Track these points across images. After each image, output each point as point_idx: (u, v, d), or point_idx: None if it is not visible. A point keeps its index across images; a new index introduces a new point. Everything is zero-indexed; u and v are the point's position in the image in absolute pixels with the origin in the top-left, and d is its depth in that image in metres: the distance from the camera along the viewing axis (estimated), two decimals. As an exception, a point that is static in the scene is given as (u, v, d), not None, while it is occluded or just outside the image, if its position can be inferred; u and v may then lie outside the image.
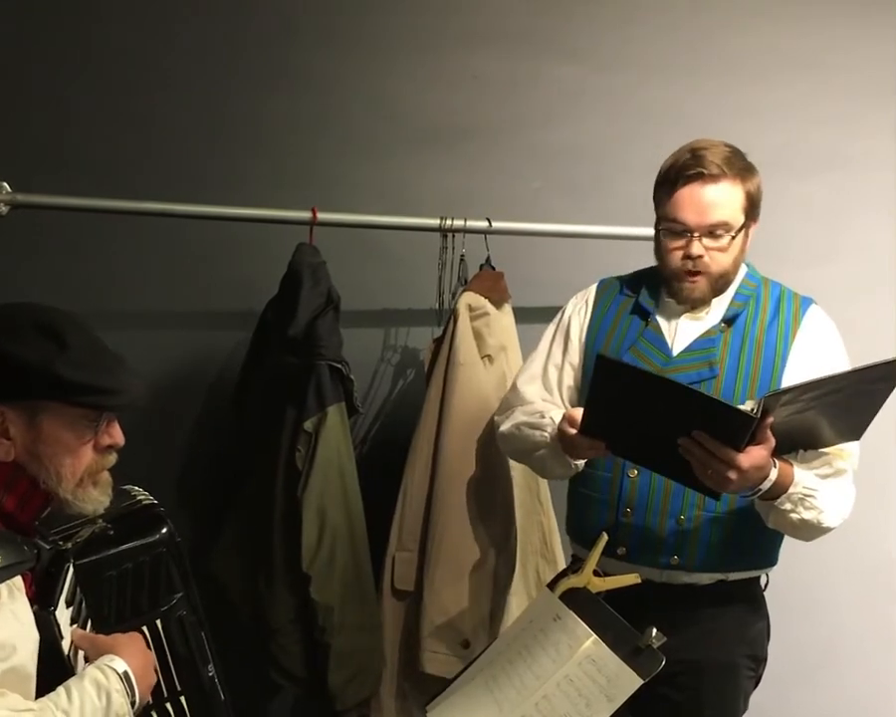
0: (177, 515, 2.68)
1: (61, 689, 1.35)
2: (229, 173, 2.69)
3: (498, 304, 2.51)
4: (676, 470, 1.80)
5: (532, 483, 2.51)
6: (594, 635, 1.74)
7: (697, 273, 1.96)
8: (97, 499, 1.47)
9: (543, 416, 2.04)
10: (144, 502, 1.70)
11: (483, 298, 2.47)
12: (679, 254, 1.96)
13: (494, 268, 2.56)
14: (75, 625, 1.47)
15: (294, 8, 2.75)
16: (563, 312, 2.18)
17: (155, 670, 1.55)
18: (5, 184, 2.30)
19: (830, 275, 2.88)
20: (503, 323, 2.52)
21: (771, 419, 1.71)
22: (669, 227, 1.97)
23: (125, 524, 1.62)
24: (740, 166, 1.98)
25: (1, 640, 1.28)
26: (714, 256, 1.95)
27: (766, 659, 2.09)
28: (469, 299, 2.47)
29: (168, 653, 1.61)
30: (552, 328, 2.19)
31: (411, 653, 2.43)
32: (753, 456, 1.72)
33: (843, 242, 3.00)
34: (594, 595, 1.85)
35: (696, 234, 1.94)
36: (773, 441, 1.73)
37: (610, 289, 2.15)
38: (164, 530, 1.63)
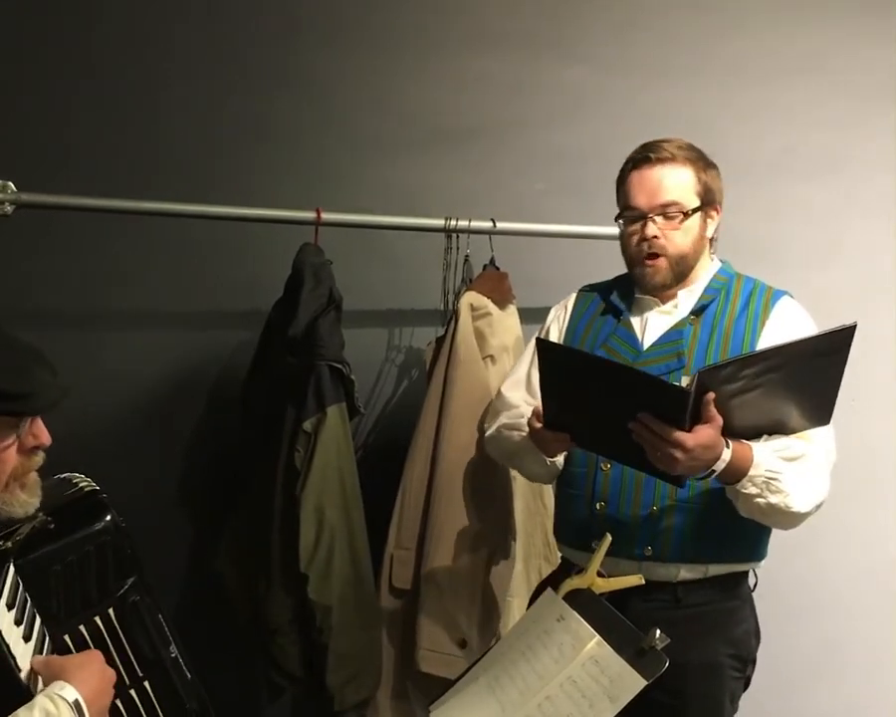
0: (179, 514, 2.73)
1: None
2: (234, 173, 2.70)
3: (501, 304, 2.52)
4: (636, 459, 1.80)
5: (535, 485, 2.51)
6: (598, 636, 1.73)
7: (655, 256, 2.00)
8: (25, 501, 1.43)
9: (521, 417, 2.07)
10: (87, 489, 1.64)
11: (485, 298, 2.48)
12: (636, 238, 2.01)
13: (498, 268, 2.57)
14: (20, 628, 1.43)
15: (299, 8, 2.75)
16: (547, 319, 2.23)
17: (114, 660, 1.52)
18: (10, 184, 2.30)
19: (831, 277, 2.89)
20: (506, 323, 2.52)
21: (712, 396, 1.71)
22: (625, 215, 2.03)
23: (67, 515, 1.56)
24: (692, 155, 2.02)
25: None
26: (669, 236, 1.99)
27: (754, 661, 2.07)
28: (471, 298, 2.47)
29: (125, 641, 1.57)
30: (536, 335, 2.21)
31: (408, 652, 2.43)
32: (699, 436, 1.72)
33: (844, 245, 3.01)
34: (598, 595, 1.85)
35: (649, 215, 1.98)
36: (719, 420, 1.73)
37: (588, 294, 2.19)
38: (108, 517, 1.57)
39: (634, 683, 1.64)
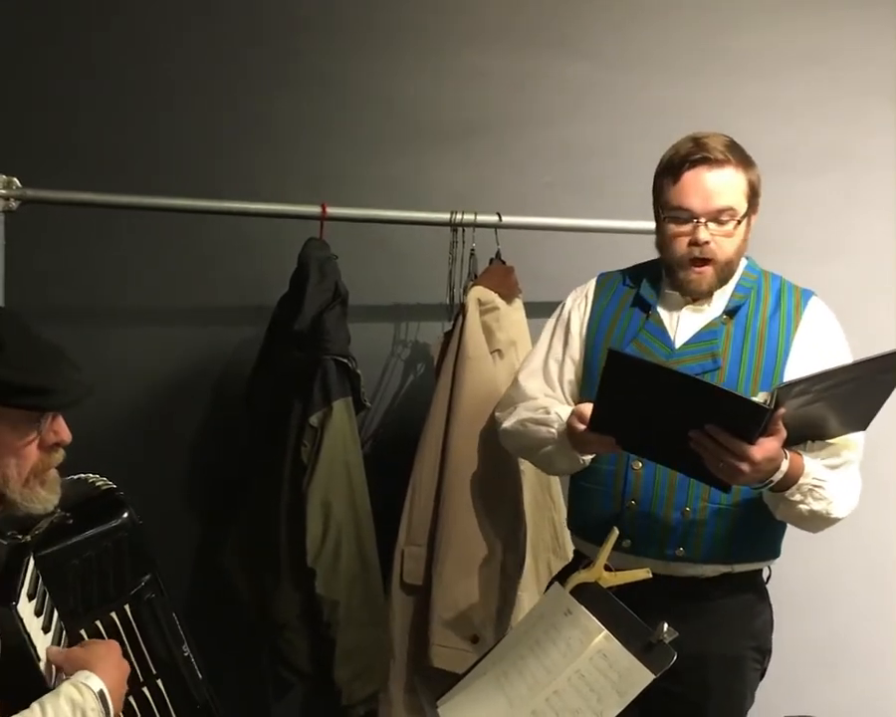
0: (184, 511, 2.74)
1: (35, 705, 1.32)
2: (239, 170, 2.70)
3: (508, 298, 2.51)
4: (686, 464, 1.80)
5: (543, 479, 2.52)
6: (606, 630, 1.73)
7: (704, 262, 1.96)
8: (45, 498, 1.45)
9: (548, 412, 2.04)
10: (103, 488, 1.67)
11: (492, 292, 2.48)
12: (685, 241, 1.96)
13: (504, 262, 2.57)
14: (40, 618, 1.45)
15: (302, 6, 2.75)
16: (563, 306, 2.18)
17: (129, 656, 1.54)
18: (15, 180, 2.30)
19: (834, 273, 2.88)
20: (513, 317, 2.52)
21: (783, 411, 1.71)
22: (674, 214, 1.97)
23: (85, 511, 1.59)
24: (741, 155, 1.99)
25: None
26: (720, 242, 1.95)
27: (770, 651, 2.08)
28: (478, 293, 2.46)
29: (140, 638, 1.59)
30: (551, 322, 2.19)
31: (420, 647, 2.43)
32: (765, 448, 1.71)
33: (847, 240, 3.01)
34: (605, 590, 1.85)
35: (702, 220, 1.93)
36: (784, 433, 1.73)
37: (610, 282, 2.14)
38: (125, 514, 1.60)
39: (642, 677, 1.65)
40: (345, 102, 2.77)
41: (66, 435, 1.46)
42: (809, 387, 1.72)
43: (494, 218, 2.54)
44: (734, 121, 2.86)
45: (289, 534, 2.41)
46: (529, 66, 2.83)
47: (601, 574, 1.87)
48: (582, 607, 1.82)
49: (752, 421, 1.69)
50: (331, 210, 2.45)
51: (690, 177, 1.95)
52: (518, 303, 2.56)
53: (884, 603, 3.03)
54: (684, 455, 1.76)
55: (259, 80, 2.74)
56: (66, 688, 1.36)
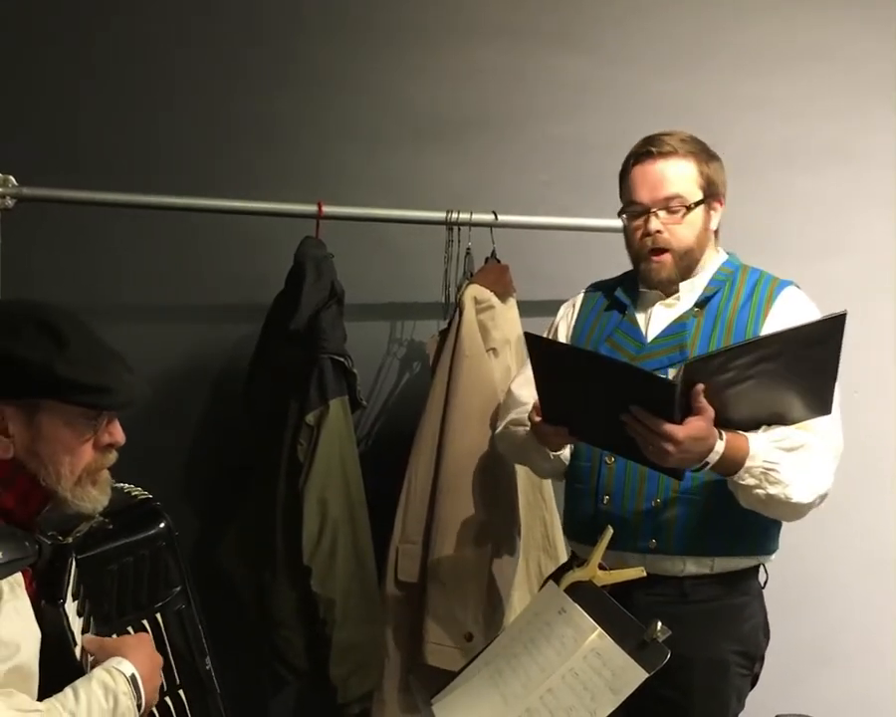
0: (183, 508, 2.74)
1: (68, 690, 1.34)
2: (236, 169, 2.70)
3: (503, 297, 2.51)
4: (632, 452, 1.79)
5: (535, 478, 2.51)
6: (600, 629, 1.73)
7: (662, 251, 1.99)
8: (96, 498, 1.45)
9: (526, 412, 2.06)
10: (139, 497, 1.69)
11: (488, 291, 2.48)
12: (639, 233, 2.01)
13: (499, 261, 2.57)
14: (81, 618, 1.47)
15: (302, 6, 2.76)
16: (556, 316, 2.23)
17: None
18: (11, 178, 2.31)
19: (834, 271, 2.88)
20: (508, 316, 2.52)
21: (701, 387, 1.70)
22: (628, 210, 2.03)
23: (124, 518, 1.60)
24: (694, 148, 2.01)
25: (5, 639, 1.27)
26: (673, 230, 1.98)
27: (762, 658, 2.05)
28: (474, 291, 2.47)
29: (168, 647, 1.60)
30: (544, 333, 2.21)
31: (414, 645, 2.43)
32: (689, 428, 1.71)
33: (847, 238, 3.00)
34: (599, 588, 1.85)
35: (652, 209, 1.98)
36: (711, 412, 1.72)
37: (595, 291, 2.19)
38: (163, 524, 1.62)
39: (636, 675, 1.64)
40: (343, 101, 2.77)
41: (120, 437, 1.48)
42: (727, 363, 1.70)
43: (489, 217, 2.55)
44: (734, 118, 2.88)
45: (285, 532, 2.41)
46: (526, 63, 2.84)
47: (595, 572, 1.87)
48: (577, 606, 1.82)
49: (664, 398, 1.69)
50: (327, 209, 2.46)
51: (637, 171, 2.01)
52: (512, 301, 2.56)
53: (879, 599, 3.02)
54: (629, 442, 1.76)
55: (259, 80, 2.74)
56: (98, 673, 1.39)
